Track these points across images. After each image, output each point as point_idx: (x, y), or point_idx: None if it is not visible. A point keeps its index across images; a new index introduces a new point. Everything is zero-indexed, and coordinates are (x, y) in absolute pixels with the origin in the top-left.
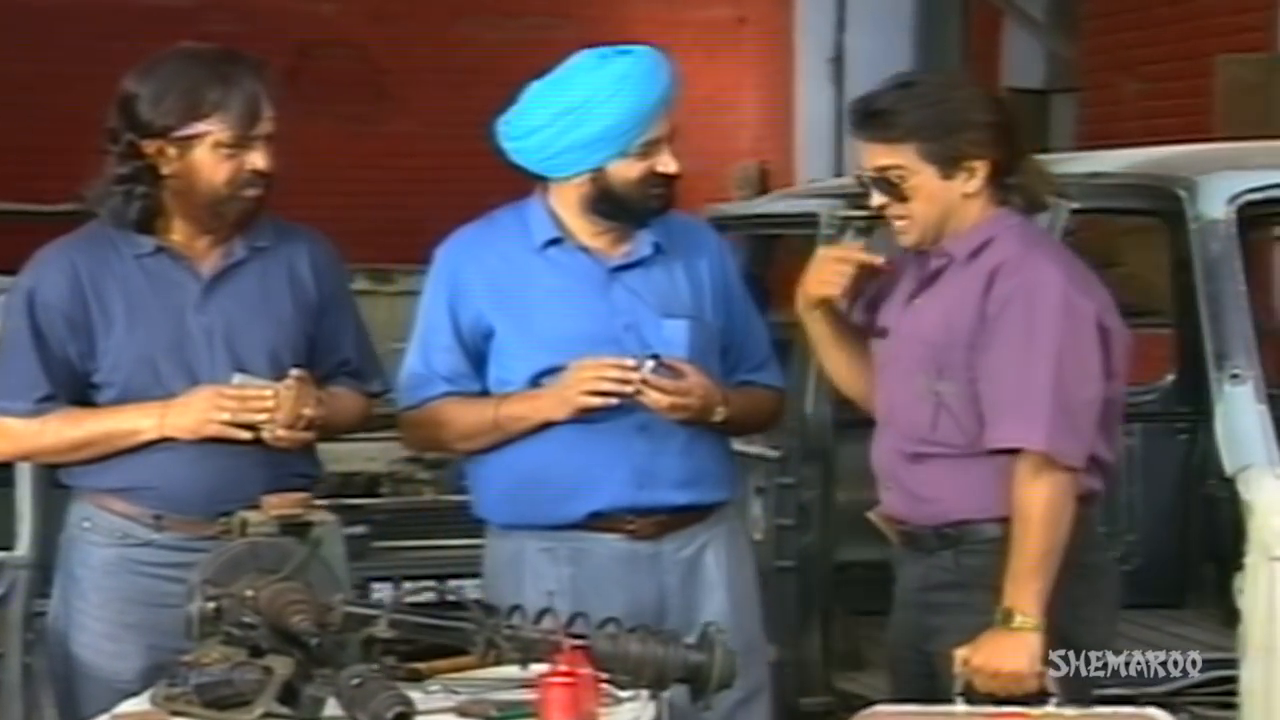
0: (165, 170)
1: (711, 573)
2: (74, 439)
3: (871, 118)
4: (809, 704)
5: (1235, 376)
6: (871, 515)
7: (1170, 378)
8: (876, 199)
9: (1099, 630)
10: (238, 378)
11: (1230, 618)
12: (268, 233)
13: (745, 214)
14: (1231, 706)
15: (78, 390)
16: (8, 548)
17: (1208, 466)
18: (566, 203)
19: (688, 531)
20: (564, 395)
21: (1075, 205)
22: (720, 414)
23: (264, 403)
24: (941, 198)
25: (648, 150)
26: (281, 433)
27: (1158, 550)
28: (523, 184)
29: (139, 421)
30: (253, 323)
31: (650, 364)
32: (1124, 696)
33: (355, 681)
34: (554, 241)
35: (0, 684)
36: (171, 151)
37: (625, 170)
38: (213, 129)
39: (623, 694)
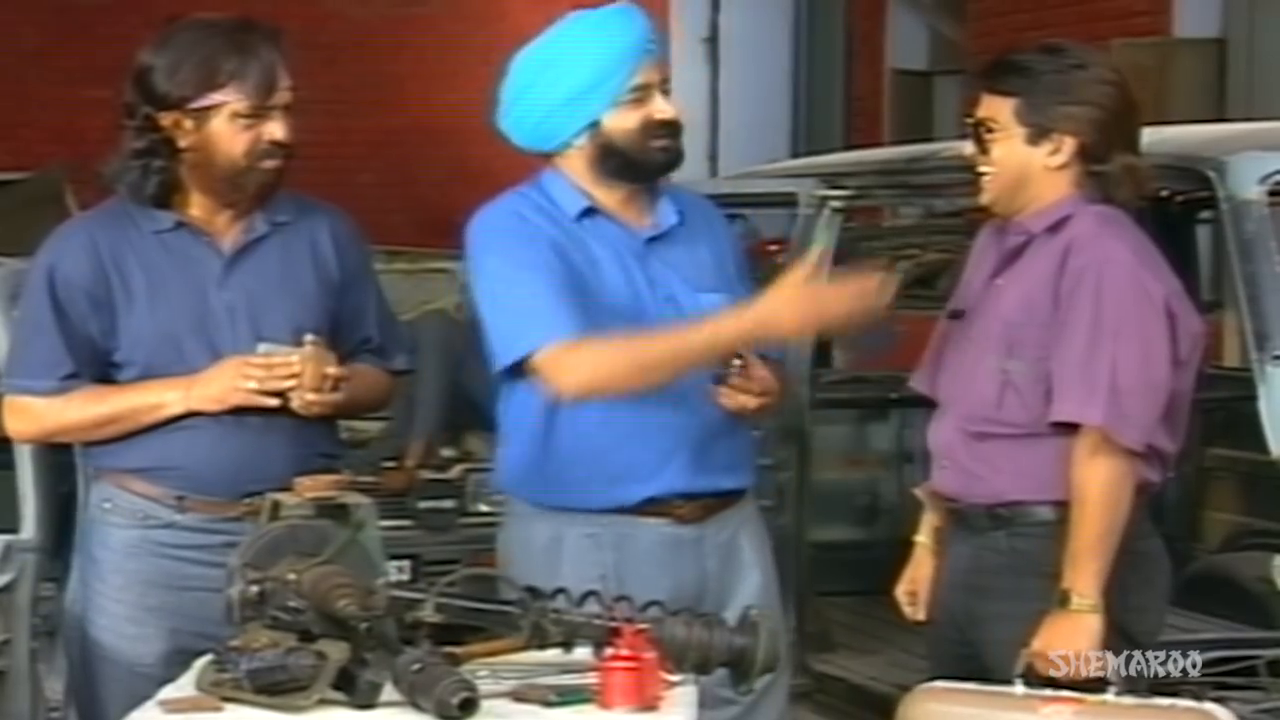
0: (182, 143)
1: (746, 554)
2: (98, 415)
3: (997, 66)
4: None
5: (1278, 357)
6: (918, 491)
7: None
8: (969, 148)
9: (1151, 618)
10: (263, 347)
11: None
12: (288, 207)
13: (715, 193)
14: (1229, 687)
15: (99, 368)
16: (12, 530)
17: None
18: (579, 173)
19: (725, 515)
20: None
21: None
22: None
23: (290, 368)
24: (1021, 162)
25: (640, 97)
26: (311, 396)
27: None
28: (398, 161)
29: (164, 395)
30: (276, 299)
31: (737, 363)
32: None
33: (416, 667)
34: (588, 212)
35: (8, 669)
36: (188, 123)
37: (621, 120)
38: (229, 99)
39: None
